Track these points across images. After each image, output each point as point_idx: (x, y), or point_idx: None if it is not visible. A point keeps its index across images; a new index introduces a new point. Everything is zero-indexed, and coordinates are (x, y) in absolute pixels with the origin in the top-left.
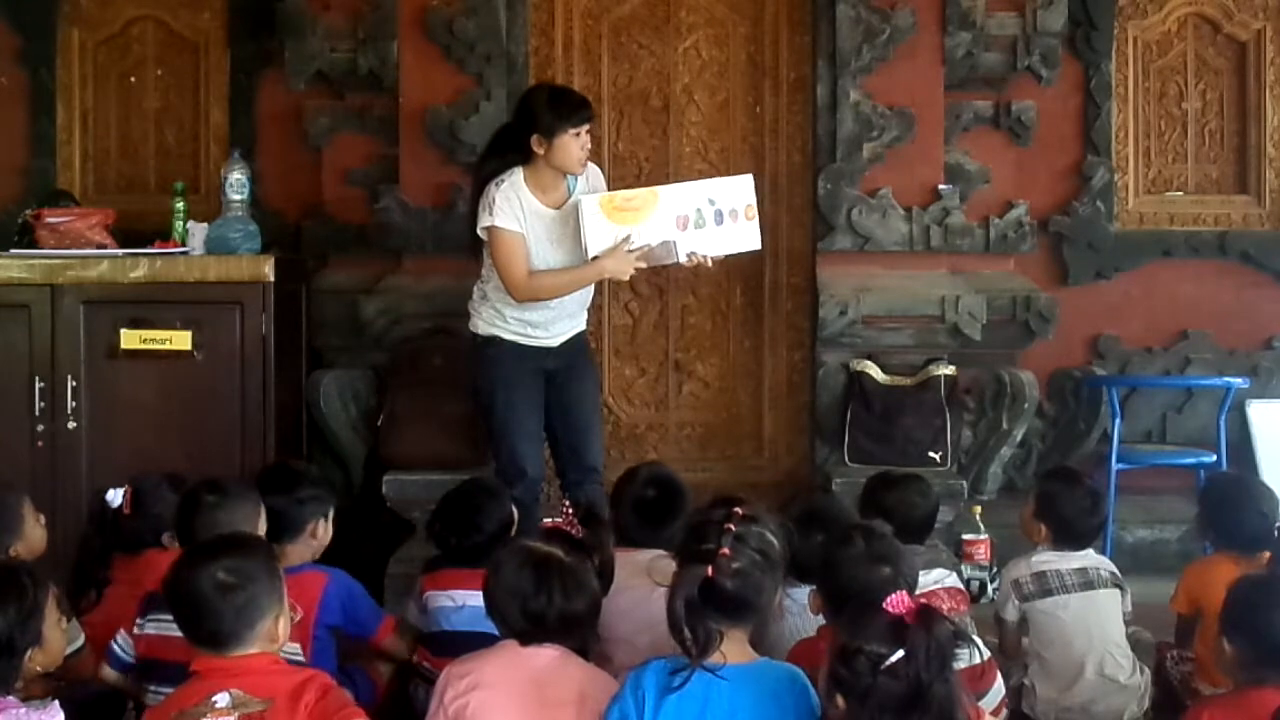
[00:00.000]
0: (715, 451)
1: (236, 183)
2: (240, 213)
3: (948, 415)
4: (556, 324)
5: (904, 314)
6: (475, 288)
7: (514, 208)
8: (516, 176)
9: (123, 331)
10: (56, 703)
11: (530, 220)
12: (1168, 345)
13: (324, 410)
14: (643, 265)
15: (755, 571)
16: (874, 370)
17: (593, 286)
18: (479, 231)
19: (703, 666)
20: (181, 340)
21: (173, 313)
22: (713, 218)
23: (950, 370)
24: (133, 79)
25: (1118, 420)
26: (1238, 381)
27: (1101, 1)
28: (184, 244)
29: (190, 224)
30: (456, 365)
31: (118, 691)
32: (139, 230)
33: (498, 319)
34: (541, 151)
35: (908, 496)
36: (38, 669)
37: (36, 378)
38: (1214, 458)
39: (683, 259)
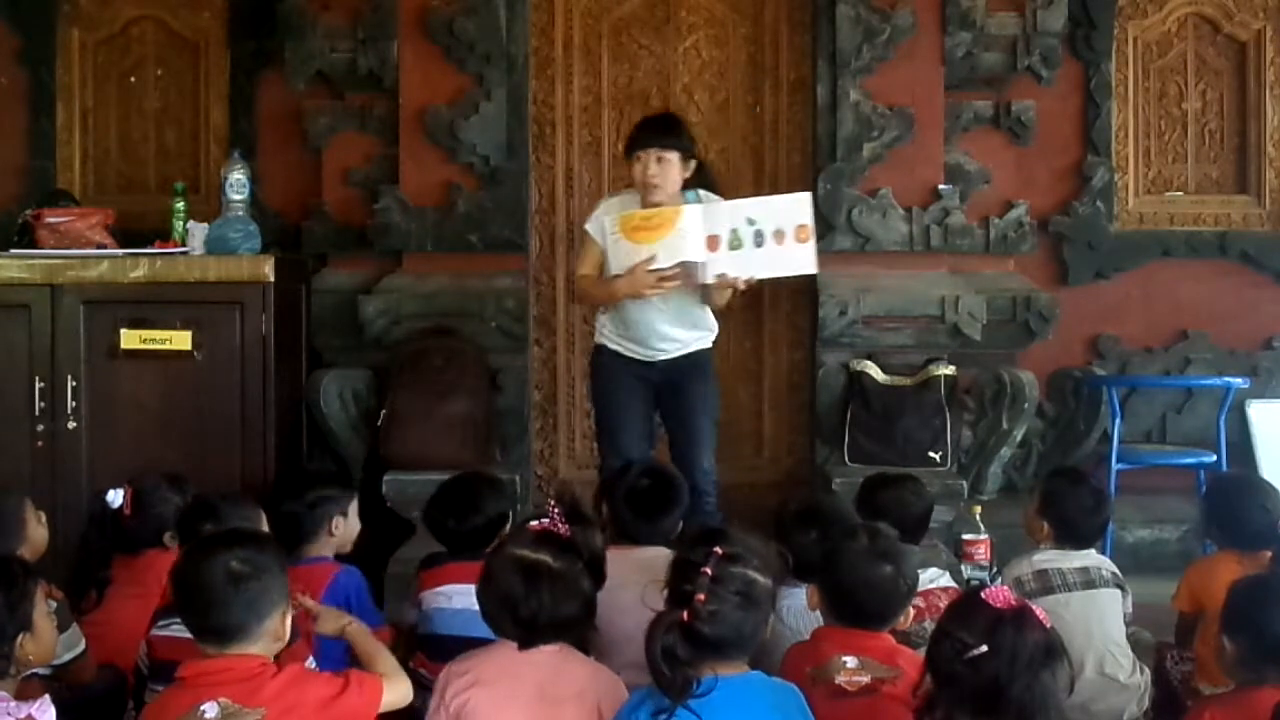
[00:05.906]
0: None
1: (236, 183)
2: (240, 213)
3: (948, 415)
4: (649, 343)
5: (904, 314)
6: None
7: (603, 216)
8: (627, 192)
9: (123, 331)
10: (47, 696)
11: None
12: (1167, 345)
13: (324, 410)
14: (669, 285)
15: (735, 613)
16: (874, 370)
17: (708, 312)
18: None
19: (685, 707)
20: (181, 340)
21: (173, 313)
22: (751, 239)
23: (950, 370)
24: (133, 79)
25: (1118, 420)
26: (1238, 381)
27: (1101, 1)
28: (184, 244)
29: (190, 224)
30: (456, 365)
31: (117, 692)
32: (139, 230)
33: (604, 330)
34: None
35: (902, 496)
36: (30, 657)
37: (36, 378)
38: (1214, 458)
39: (709, 279)
